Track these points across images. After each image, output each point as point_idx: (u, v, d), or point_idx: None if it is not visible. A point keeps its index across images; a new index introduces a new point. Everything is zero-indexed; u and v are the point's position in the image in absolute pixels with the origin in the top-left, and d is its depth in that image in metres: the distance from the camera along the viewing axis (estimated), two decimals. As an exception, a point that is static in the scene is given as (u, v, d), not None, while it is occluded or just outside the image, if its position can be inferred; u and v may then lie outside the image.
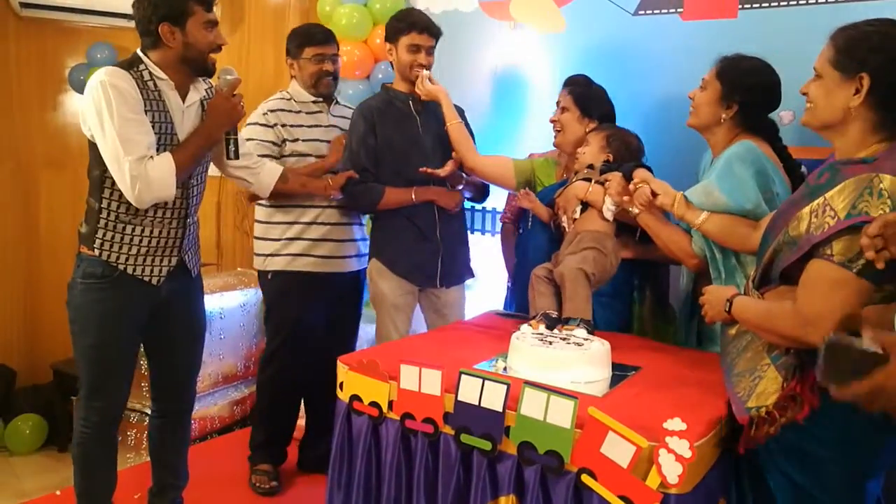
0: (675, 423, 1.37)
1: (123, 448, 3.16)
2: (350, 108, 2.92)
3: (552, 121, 2.53)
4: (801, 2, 2.58)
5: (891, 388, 1.11)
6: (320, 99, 2.77)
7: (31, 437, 3.54)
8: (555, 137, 2.52)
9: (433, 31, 2.63)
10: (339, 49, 2.81)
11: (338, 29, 3.48)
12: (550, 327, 1.93)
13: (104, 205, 2.04)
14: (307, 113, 2.77)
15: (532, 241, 2.46)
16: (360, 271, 2.89)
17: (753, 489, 1.59)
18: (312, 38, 2.73)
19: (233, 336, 3.48)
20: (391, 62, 2.72)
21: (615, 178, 2.09)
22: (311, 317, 2.80)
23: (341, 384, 1.85)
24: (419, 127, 2.69)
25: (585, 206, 2.21)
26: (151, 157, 1.96)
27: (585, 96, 2.49)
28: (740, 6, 2.69)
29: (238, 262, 4.05)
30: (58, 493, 2.73)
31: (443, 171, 2.60)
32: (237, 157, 2.20)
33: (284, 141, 2.72)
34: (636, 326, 2.38)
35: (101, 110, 1.93)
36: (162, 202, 2.05)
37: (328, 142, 2.78)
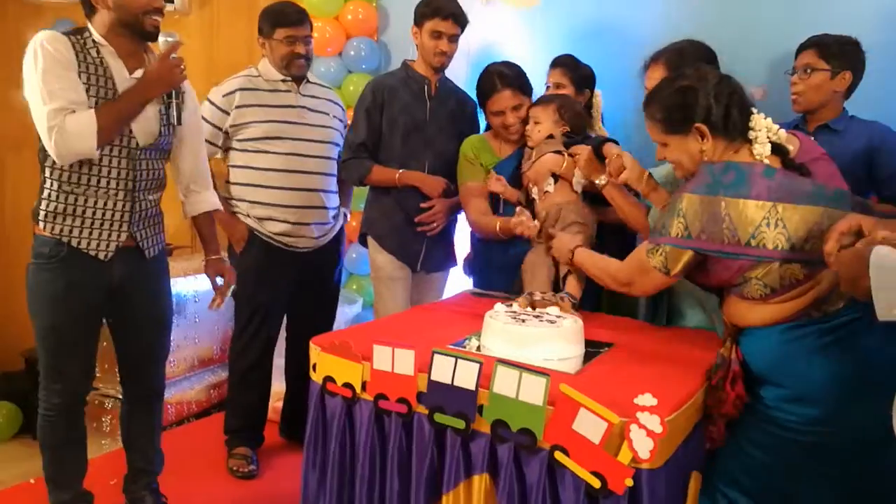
0: (646, 399, 1.38)
1: (99, 434, 3.13)
2: (323, 85, 2.88)
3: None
4: (775, -25, 2.57)
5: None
6: (290, 79, 2.72)
7: (4, 426, 3.49)
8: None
9: (459, 20, 2.62)
10: (312, 29, 2.76)
11: (309, 5, 3.41)
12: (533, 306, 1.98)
13: (47, 174, 2.02)
14: (275, 92, 2.72)
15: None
16: (333, 244, 2.87)
17: None
18: (285, 18, 2.66)
19: (208, 319, 3.44)
20: (416, 44, 2.70)
21: (585, 151, 2.11)
22: (277, 291, 2.77)
23: (314, 365, 1.84)
24: (428, 113, 2.71)
25: (556, 178, 2.23)
26: (74, 111, 1.91)
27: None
28: (718, -22, 2.68)
29: (212, 245, 4.00)
30: (32, 481, 2.70)
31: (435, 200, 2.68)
32: (179, 122, 2.13)
33: (236, 126, 2.67)
34: (606, 303, 2.39)
35: (29, 69, 1.93)
36: (105, 172, 2.01)
37: (297, 123, 2.72)
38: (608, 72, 2.66)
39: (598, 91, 2.65)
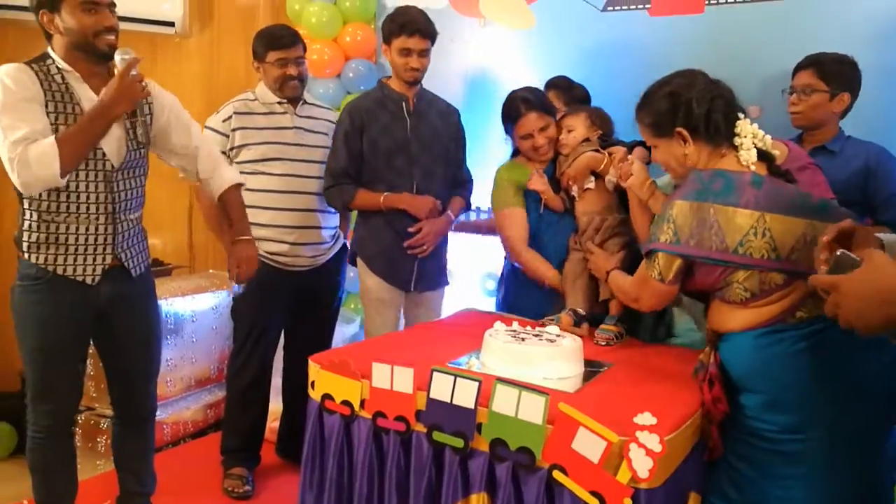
0: (646, 418, 1.38)
1: (93, 454, 3.10)
2: (321, 106, 2.89)
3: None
4: (766, -2, 2.61)
5: (845, 290, 1.16)
6: (285, 101, 2.73)
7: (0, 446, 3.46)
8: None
9: (426, 34, 2.57)
10: (305, 50, 2.76)
11: (308, 27, 3.46)
12: (578, 324, 2.09)
13: (26, 204, 2.00)
14: (271, 114, 2.72)
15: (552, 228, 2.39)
16: (333, 264, 2.86)
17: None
18: (277, 41, 2.67)
19: (205, 339, 3.43)
20: (388, 61, 2.68)
21: (620, 151, 2.15)
22: (275, 312, 2.76)
23: (313, 383, 1.83)
24: (409, 131, 2.67)
25: (596, 176, 2.24)
26: (35, 140, 1.89)
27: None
28: (707, 2, 2.72)
29: (210, 264, 4.00)
30: (25, 502, 2.67)
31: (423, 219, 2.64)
32: (147, 140, 2.11)
33: (235, 148, 2.67)
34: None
35: None
36: (84, 198, 1.99)
37: (294, 144, 2.72)
38: (602, 91, 2.69)
39: None
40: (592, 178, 2.24)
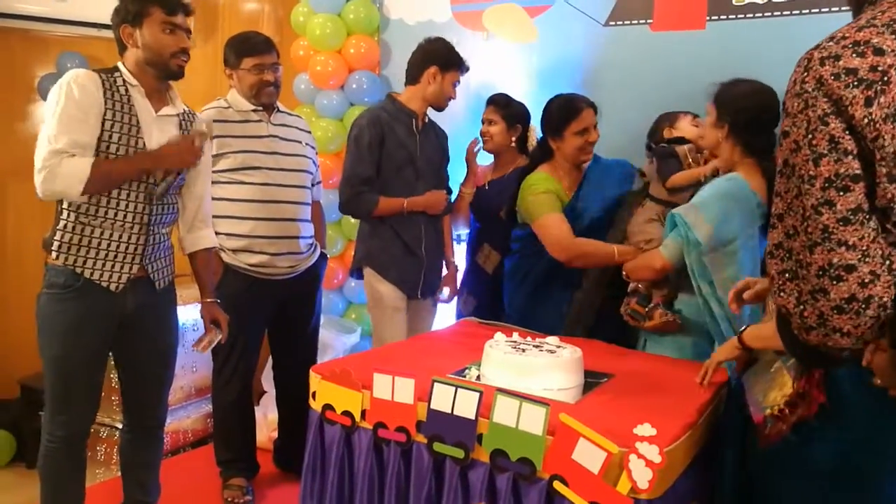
0: (646, 429, 1.38)
1: (93, 463, 3.09)
2: (292, 113, 2.84)
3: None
4: (766, 14, 2.64)
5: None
6: (260, 108, 2.69)
7: (-2, 454, 3.46)
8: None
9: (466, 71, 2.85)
10: (279, 57, 2.73)
11: (312, 39, 3.49)
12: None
13: (64, 205, 2.03)
14: (246, 122, 2.67)
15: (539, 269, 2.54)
16: (311, 273, 2.83)
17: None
18: (252, 47, 2.65)
19: (206, 348, 3.43)
20: (428, 83, 2.79)
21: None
22: (256, 322, 2.73)
23: (314, 393, 1.84)
24: (417, 147, 2.81)
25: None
26: (73, 154, 1.94)
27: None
28: (708, 18, 2.74)
29: (211, 274, 4.00)
30: (24, 509, 2.67)
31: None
32: (160, 199, 2.13)
33: (213, 157, 2.58)
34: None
35: (50, 104, 1.97)
36: (123, 206, 2.03)
37: (270, 153, 2.67)
38: (604, 105, 2.69)
39: (533, 126, 2.90)
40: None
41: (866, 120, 1.04)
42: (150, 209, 2.10)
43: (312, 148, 2.85)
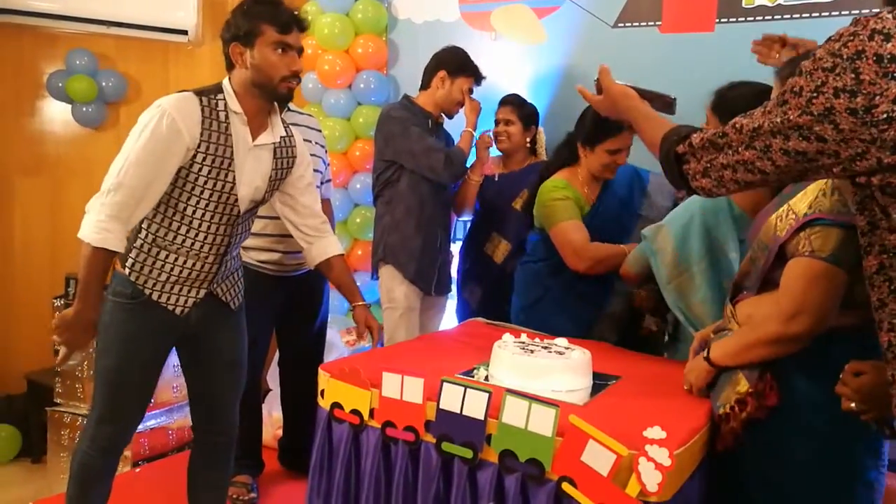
0: (655, 432, 1.38)
1: (59, 447, 3.10)
2: (303, 112, 2.83)
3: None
4: (775, 17, 2.64)
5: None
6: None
7: (4, 448, 3.47)
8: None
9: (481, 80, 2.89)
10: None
11: (321, 38, 3.49)
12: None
13: (145, 225, 1.95)
14: None
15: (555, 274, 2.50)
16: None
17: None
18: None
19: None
20: (437, 86, 2.85)
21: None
22: (264, 318, 2.72)
23: (322, 391, 1.84)
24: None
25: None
26: (118, 202, 1.82)
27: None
28: (717, 20, 2.74)
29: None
30: (31, 504, 2.69)
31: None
32: (284, 176, 2.09)
33: None
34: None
35: (135, 132, 1.86)
36: (202, 237, 1.95)
37: None
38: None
39: (540, 128, 2.96)
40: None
41: (885, 115, 0.98)
42: (230, 240, 2.01)
43: (323, 147, 2.86)
